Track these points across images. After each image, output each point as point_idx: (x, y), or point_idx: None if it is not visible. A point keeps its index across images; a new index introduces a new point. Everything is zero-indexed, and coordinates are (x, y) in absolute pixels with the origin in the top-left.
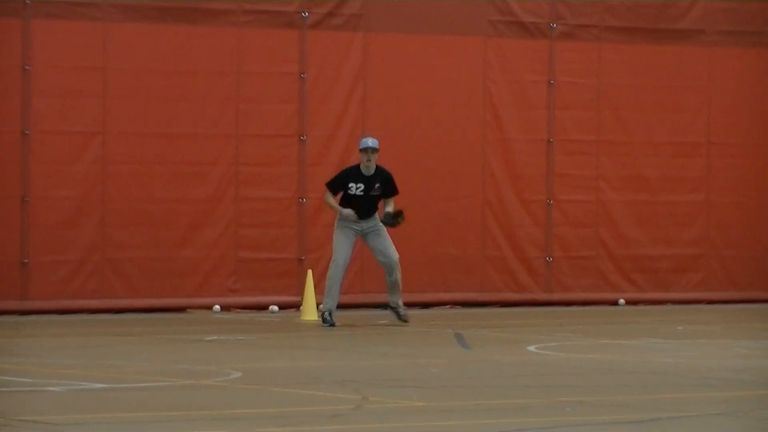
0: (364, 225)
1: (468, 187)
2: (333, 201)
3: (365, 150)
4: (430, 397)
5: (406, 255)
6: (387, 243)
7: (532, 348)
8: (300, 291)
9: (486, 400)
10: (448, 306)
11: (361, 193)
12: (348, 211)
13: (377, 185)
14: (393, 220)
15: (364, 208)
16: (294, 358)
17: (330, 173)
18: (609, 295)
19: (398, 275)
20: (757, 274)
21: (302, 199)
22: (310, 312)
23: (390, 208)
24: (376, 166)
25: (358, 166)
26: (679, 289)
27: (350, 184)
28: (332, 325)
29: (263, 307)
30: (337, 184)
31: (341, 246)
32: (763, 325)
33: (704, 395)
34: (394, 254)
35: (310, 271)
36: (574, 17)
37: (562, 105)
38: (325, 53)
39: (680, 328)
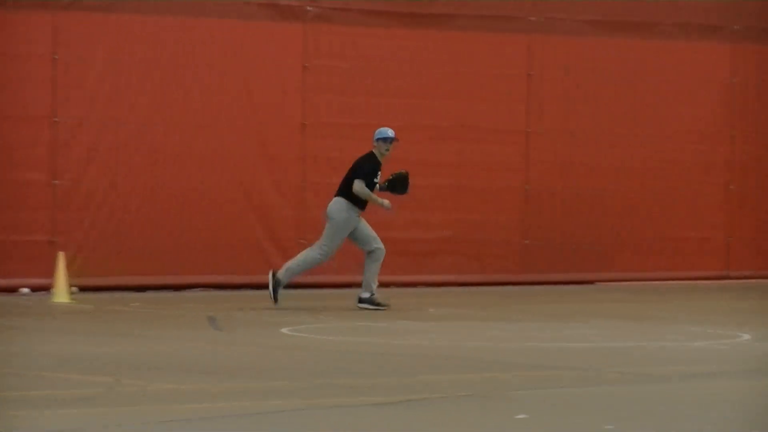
0: (358, 218)
1: (225, 171)
2: (371, 193)
3: (387, 140)
4: (183, 379)
5: (160, 238)
6: (371, 232)
7: (285, 330)
8: (51, 273)
9: (238, 383)
10: (199, 289)
11: (377, 180)
12: (388, 203)
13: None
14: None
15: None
16: (45, 342)
17: (83, 156)
18: (361, 278)
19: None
20: (507, 258)
21: (55, 181)
22: (61, 294)
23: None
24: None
25: (374, 155)
26: (431, 271)
27: (378, 173)
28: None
29: (14, 290)
30: (371, 177)
31: (339, 243)
32: (517, 307)
33: (456, 377)
34: (378, 242)
35: (61, 254)
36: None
37: (317, 88)
38: (79, 35)
39: (432, 310)
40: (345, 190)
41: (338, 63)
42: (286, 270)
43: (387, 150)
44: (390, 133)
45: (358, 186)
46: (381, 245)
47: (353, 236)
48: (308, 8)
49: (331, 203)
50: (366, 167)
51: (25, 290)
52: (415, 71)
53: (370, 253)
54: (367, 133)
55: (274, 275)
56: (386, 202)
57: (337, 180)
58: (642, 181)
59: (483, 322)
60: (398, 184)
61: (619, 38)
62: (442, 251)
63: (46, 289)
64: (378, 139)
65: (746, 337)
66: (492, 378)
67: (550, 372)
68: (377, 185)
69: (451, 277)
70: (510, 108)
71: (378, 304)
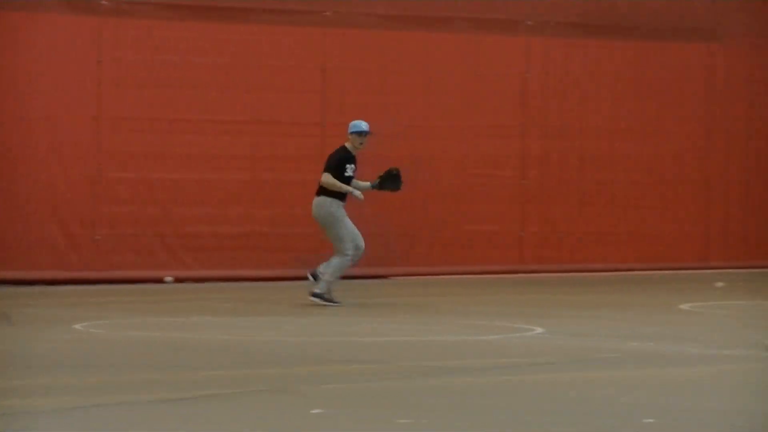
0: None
1: (18, 165)
2: (341, 183)
3: (362, 133)
4: None
5: None
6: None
7: (78, 326)
8: None
9: (24, 379)
10: None
11: (352, 174)
12: (359, 192)
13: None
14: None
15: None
16: None
17: None
18: (155, 273)
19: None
20: (307, 252)
21: None
22: None
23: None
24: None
25: (346, 148)
26: (228, 266)
27: (347, 166)
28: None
29: None
30: (339, 168)
31: (351, 231)
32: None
33: (250, 372)
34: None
35: None
36: None
37: (112, 82)
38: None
39: (228, 305)
40: (321, 187)
41: (133, 56)
42: (326, 284)
43: (361, 144)
44: (364, 126)
45: (324, 178)
46: (360, 241)
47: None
48: (103, 2)
49: (312, 206)
50: (333, 159)
51: None
52: (211, 64)
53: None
54: (164, 126)
55: (314, 279)
56: (357, 192)
57: (133, 174)
58: (436, 174)
59: (282, 317)
60: (388, 182)
61: (413, 32)
62: (239, 246)
63: None
64: (351, 133)
65: (539, 330)
66: (289, 372)
67: (347, 366)
68: (369, 184)
69: (250, 272)
70: (305, 101)
71: (330, 301)
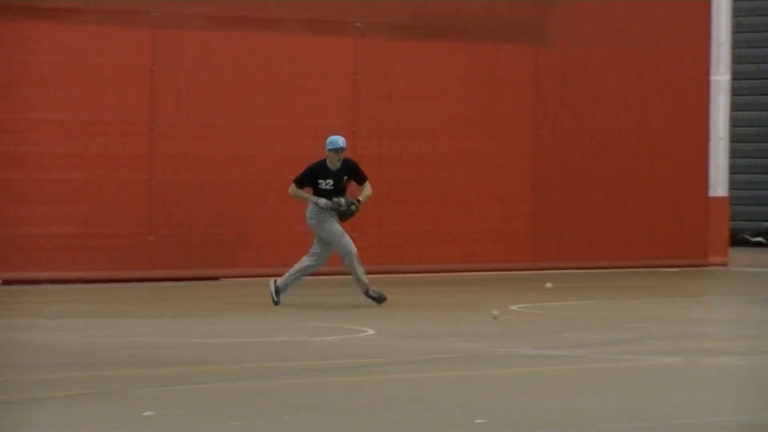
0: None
1: None
2: (301, 192)
3: (336, 150)
4: None
5: None
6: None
7: None
8: None
9: None
10: None
11: (331, 188)
12: (324, 201)
13: (345, 178)
14: (347, 208)
15: (335, 197)
16: None
17: None
18: None
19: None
20: (134, 253)
21: None
22: None
23: (361, 195)
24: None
25: (324, 162)
26: (60, 267)
27: (319, 181)
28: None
29: None
30: (305, 181)
31: (342, 232)
32: (144, 304)
33: (84, 374)
34: (351, 244)
35: None
36: None
37: None
38: None
39: (56, 307)
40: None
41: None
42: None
43: (339, 160)
44: (340, 143)
45: (289, 189)
46: (351, 247)
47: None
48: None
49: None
50: (304, 172)
51: None
52: (44, 62)
53: (311, 254)
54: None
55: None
56: (322, 200)
57: None
58: (267, 174)
59: (114, 318)
60: (343, 216)
61: (242, 33)
62: (71, 247)
63: None
64: (328, 150)
65: (371, 331)
66: (123, 375)
67: (183, 368)
68: (337, 200)
69: (82, 273)
70: (132, 102)
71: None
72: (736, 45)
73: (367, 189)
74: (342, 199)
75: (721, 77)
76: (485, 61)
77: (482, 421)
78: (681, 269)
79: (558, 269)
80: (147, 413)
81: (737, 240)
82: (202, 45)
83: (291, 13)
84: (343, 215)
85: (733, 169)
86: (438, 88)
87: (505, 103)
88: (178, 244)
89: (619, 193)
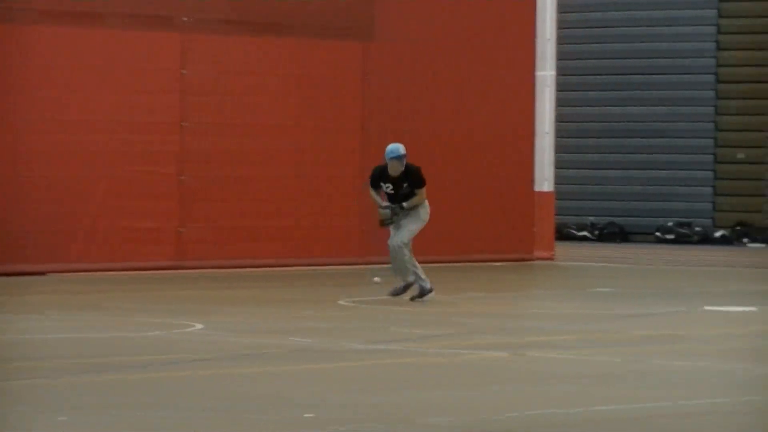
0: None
1: None
2: (375, 195)
3: (396, 158)
4: None
5: None
6: (403, 225)
7: None
8: None
9: None
10: None
11: (392, 192)
12: (385, 211)
13: (405, 185)
14: (390, 220)
15: (398, 202)
16: None
17: None
18: None
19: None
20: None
21: None
22: None
23: (407, 201)
24: (407, 164)
25: (385, 167)
26: None
27: (381, 184)
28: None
29: None
30: (374, 183)
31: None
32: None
33: None
34: (396, 239)
35: None
36: None
37: None
38: None
39: None
40: None
41: None
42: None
43: (401, 166)
44: (393, 153)
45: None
46: (391, 241)
47: None
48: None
49: None
50: (371, 175)
51: None
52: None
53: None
54: None
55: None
56: (384, 211)
57: None
58: (94, 169)
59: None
60: (381, 224)
61: (68, 28)
62: None
63: None
64: (388, 159)
65: (199, 326)
66: None
67: (7, 365)
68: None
69: None
70: None
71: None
72: (561, 41)
73: (416, 197)
74: (387, 210)
75: (546, 73)
76: (314, 58)
77: (311, 415)
78: (508, 263)
79: (387, 263)
80: None
81: (563, 234)
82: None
83: (117, 8)
84: (382, 224)
85: (559, 165)
86: (267, 84)
87: (333, 99)
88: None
89: (446, 189)
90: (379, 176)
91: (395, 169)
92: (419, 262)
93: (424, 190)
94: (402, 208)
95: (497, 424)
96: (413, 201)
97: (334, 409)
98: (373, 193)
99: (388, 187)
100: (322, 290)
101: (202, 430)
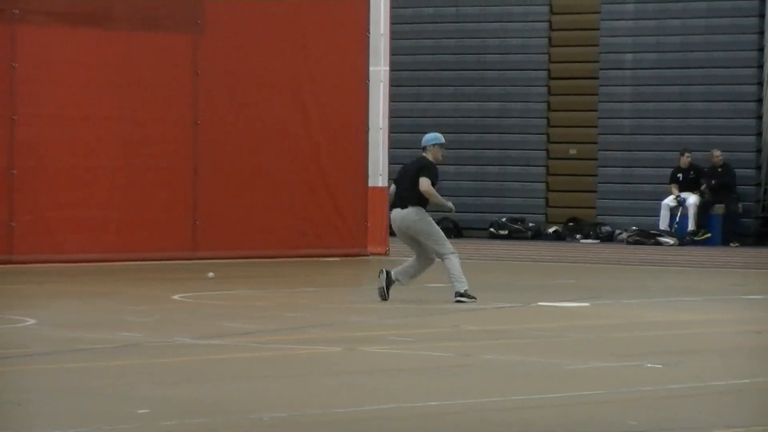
0: None
1: None
2: (439, 196)
3: (442, 145)
4: None
5: None
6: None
7: None
8: None
9: None
10: None
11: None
12: (450, 204)
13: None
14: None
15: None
16: None
17: None
18: None
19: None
20: None
21: None
22: None
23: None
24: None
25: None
26: None
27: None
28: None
29: None
30: (437, 178)
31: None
32: None
33: None
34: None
35: None
36: None
37: None
38: None
39: None
40: (410, 197)
41: None
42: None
43: (443, 154)
44: (443, 138)
45: (426, 186)
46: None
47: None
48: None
49: (400, 218)
50: (434, 173)
51: None
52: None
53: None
54: None
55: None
56: (449, 204)
57: None
58: None
59: None
60: None
61: None
62: None
63: None
64: (434, 145)
65: (30, 321)
66: None
67: None
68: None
69: None
70: None
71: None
72: (394, 36)
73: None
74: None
75: (380, 68)
76: (144, 50)
77: (145, 411)
78: (342, 259)
79: (220, 258)
80: None
81: None
82: None
83: None
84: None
85: (393, 160)
86: (96, 75)
87: (165, 91)
88: None
89: (280, 183)
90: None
91: (439, 158)
92: (252, 257)
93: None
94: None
95: (324, 418)
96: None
97: (167, 404)
98: (435, 192)
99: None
100: (154, 285)
101: (33, 426)
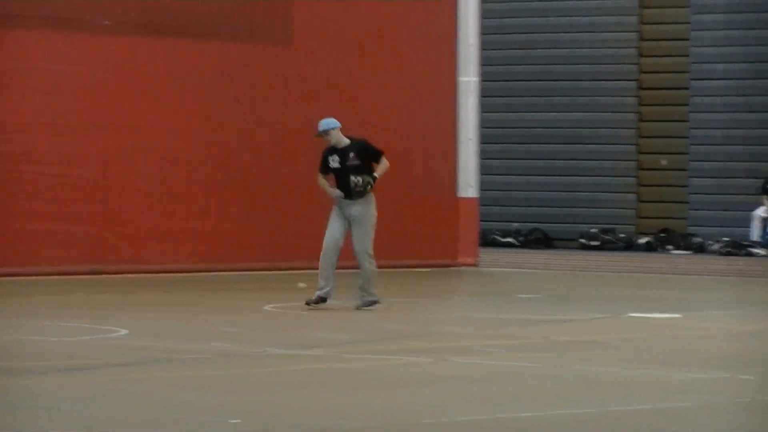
0: (350, 209)
1: None
2: (323, 181)
3: (333, 130)
4: None
5: None
6: (358, 234)
7: None
8: None
9: None
10: None
11: (339, 165)
12: (336, 192)
13: (351, 154)
14: (359, 192)
15: (346, 181)
16: None
17: None
18: None
19: (364, 266)
20: None
21: None
22: None
23: (377, 171)
24: (350, 137)
25: (331, 146)
26: None
27: (328, 158)
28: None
29: None
30: (322, 165)
31: (329, 227)
32: None
33: None
34: (358, 245)
35: None
36: None
37: None
38: None
39: None
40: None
41: None
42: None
43: (329, 142)
44: (319, 127)
45: (317, 179)
46: (356, 253)
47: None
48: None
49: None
50: (321, 159)
51: None
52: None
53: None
54: None
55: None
56: (335, 192)
57: None
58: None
59: None
60: (357, 195)
61: None
62: None
63: None
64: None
65: (124, 331)
66: None
67: None
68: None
69: None
70: None
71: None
72: (485, 47)
73: (384, 163)
74: (359, 179)
75: (469, 78)
76: (237, 61)
77: (237, 421)
78: (432, 270)
79: (309, 269)
80: None
81: (488, 240)
82: None
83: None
84: (358, 195)
85: (484, 170)
86: (191, 87)
87: (255, 100)
88: None
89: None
90: (326, 153)
91: (337, 143)
92: (341, 268)
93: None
94: (374, 178)
95: (415, 428)
96: (383, 168)
97: (260, 414)
98: (322, 180)
99: (334, 160)
100: (246, 295)
101: None
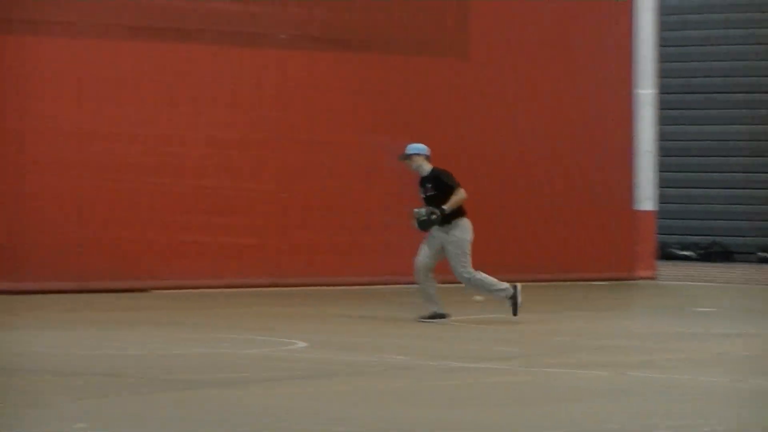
0: (439, 233)
1: None
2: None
3: (400, 158)
4: None
5: None
6: (449, 258)
7: None
8: None
9: None
10: None
11: (423, 195)
12: (419, 211)
13: (429, 185)
14: (423, 222)
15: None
16: None
17: None
18: None
19: (467, 286)
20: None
21: None
22: None
23: (446, 205)
24: (431, 167)
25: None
26: None
27: (419, 189)
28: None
29: None
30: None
31: (420, 249)
32: (65, 315)
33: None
34: (456, 271)
35: None
36: None
37: None
38: None
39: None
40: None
41: None
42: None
43: (412, 168)
44: (405, 150)
45: (462, 194)
46: (458, 275)
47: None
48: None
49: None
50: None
51: None
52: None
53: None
54: None
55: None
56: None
57: None
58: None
59: (41, 331)
60: (422, 225)
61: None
62: None
63: None
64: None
65: (302, 344)
66: (50, 384)
67: (110, 379)
68: (417, 211)
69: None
70: None
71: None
72: (663, 59)
73: (454, 197)
74: (422, 210)
75: (646, 91)
76: (411, 73)
77: None
78: (608, 283)
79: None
80: (78, 425)
81: (665, 254)
82: None
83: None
84: (423, 225)
85: (662, 183)
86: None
87: (426, 114)
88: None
89: (544, 207)
90: (420, 181)
91: (419, 170)
92: (518, 281)
93: (459, 191)
94: (442, 210)
95: None
96: (454, 200)
97: (428, 426)
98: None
99: (420, 191)
100: (417, 308)
101: None
